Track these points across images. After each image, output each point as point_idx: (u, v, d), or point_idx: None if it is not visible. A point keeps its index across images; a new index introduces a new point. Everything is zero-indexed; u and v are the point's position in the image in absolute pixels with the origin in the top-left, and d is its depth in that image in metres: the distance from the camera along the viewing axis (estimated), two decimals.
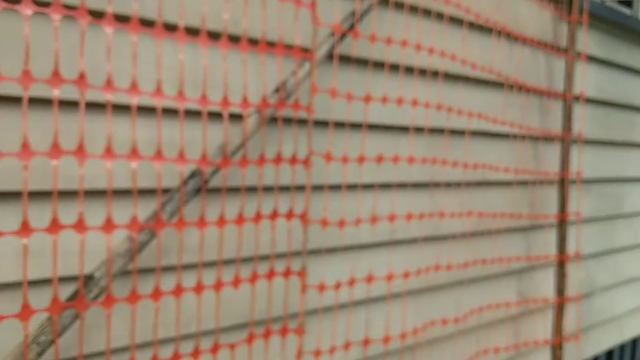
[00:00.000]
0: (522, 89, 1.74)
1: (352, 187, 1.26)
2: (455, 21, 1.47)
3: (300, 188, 1.15)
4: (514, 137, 1.71)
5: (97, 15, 0.85)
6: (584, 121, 2.02)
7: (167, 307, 0.98)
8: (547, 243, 1.90)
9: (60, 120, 0.84)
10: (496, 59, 1.62)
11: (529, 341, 1.86)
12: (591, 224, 2.13)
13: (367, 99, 1.18)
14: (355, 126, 1.26)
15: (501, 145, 1.68)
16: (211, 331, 1.03)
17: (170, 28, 0.96)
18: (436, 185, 1.45)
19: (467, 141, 1.52)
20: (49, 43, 0.82)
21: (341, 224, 1.10)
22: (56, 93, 0.73)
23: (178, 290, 0.87)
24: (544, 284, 1.93)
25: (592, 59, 2.03)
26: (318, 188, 1.19)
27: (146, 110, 0.94)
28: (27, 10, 0.68)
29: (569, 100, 1.84)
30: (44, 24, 0.81)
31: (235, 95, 1.04)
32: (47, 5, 0.75)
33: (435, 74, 1.41)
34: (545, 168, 1.88)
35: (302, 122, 1.14)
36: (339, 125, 1.23)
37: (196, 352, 0.91)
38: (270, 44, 1.09)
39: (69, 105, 0.85)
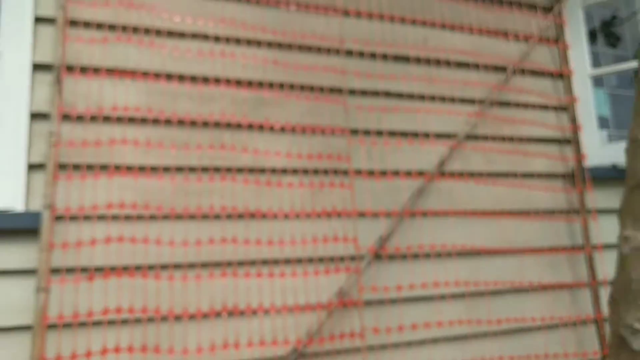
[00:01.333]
0: (541, 251, 2.24)
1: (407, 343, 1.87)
2: (480, 213, 2.11)
3: None
4: (544, 288, 2.18)
5: None
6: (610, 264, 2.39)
7: None
8: None
9: None
10: (512, 233, 2.18)
11: None
12: None
13: (411, 286, 1.85)
14: (402, 300, 1.90)
15: (533, 296, 2.16)
16: None
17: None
18: (477, 336, 1.98)
19: (489, 301, 2.06)
20: None
21: None
22: None
23: None
24: None
25: (609, 211, 2.46)
26: None
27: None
28: None
29: (588, 253, 2.28)
30: None
31: (312, 297, 1.77)
32: None
33: (459, 254, 2.03)
34: (582, 310, 2.27)
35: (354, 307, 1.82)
36: (391, 301, 1.88)
37: None
38: (330, 260, 1.84)
39: None
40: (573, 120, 2.45)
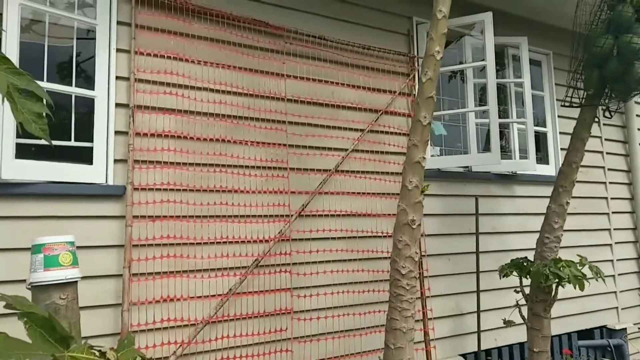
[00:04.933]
0: (389, 215, 3.81)
1: None
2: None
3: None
4: (390, 236, 3.76)
5: None
6: (432, 224, 4.03)
7: None
8: None
9: None
10: (373, 205, 3.73)
11: None
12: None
13: (317, 230, 3.33)
14: (313, 238, 3.37)
15: (383, 239, 3.72)
16: None
17: None
18: None
19: (358, 240, 3.60)
20: None
21: None
22: None
23: None
24: None
25: (434, 195, 4.10)
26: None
27: None
28: None
29: None
30: None
31: (265, 234, 3.20)
32: None
33: (343, 215, 3.54)
34: None
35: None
36: (306, 238, 3.35)
37: None
38: (275, 216, 3.28)
39: None
40: None
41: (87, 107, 2.95)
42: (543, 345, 3.43)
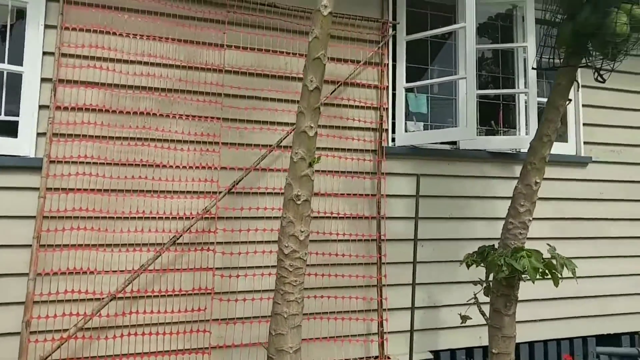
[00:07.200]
0: (350, 196, 3.43)
1: None
2: None
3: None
4: (348, 217, 3.39)
5: None
6: (401, 206, 3.56)
7: None
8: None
9: None
10: (329, 185, 3.37)
11: None
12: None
13: (250, 209, 3.08)
14: (244, 217, 3.13)
15: (340, 221, 3.36)
16: None
17: None
18: None
19: None
20: None
21: None
22: None
23: None
24: None
25: (403, 174, 3.62)
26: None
27: None
28: None
29: (378, 198, 3.47)
30: None
31: (193, 210, 3.01)
32: None
33: None
34: (372, 231, 3.47)
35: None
36: (236, 217, 3.11)
37: None
38: (202, 192, 3.07)
39: None
40: (380, 117, 3.61)
41: (18, 82, 2.96)
42: (504, 346, 2.87)
